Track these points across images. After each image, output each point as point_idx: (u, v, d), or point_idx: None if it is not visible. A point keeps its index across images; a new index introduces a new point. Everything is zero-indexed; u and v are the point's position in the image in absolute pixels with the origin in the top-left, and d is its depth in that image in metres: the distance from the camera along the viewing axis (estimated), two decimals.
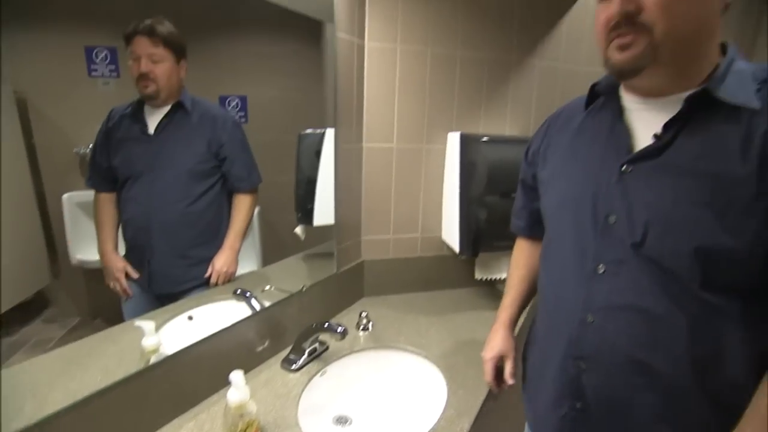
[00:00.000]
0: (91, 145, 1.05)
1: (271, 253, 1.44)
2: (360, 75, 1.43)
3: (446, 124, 1.56)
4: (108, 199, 1.08)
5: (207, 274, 1.19)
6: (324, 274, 1.42)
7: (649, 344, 0.66)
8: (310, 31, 1.32)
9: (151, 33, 1.03)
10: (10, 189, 0.89)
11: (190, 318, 1.13)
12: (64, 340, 0.96)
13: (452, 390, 1.09)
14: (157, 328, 1.02)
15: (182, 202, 1.14)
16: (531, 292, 1.03)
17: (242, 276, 1.27)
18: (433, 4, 1.45)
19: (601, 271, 0.70)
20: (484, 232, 1.43)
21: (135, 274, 1.09)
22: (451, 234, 1.54)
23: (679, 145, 0.64)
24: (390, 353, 1.29)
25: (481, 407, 1.03)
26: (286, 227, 1.51)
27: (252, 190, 1.27)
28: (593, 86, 0.78)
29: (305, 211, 1.49)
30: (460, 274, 1.68)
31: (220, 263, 1.20)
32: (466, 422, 0.97)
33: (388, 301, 1.58)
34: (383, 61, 1.45)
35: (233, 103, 1.32)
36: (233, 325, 1.10)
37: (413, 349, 1.28)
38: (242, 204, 1.25)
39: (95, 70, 1.03)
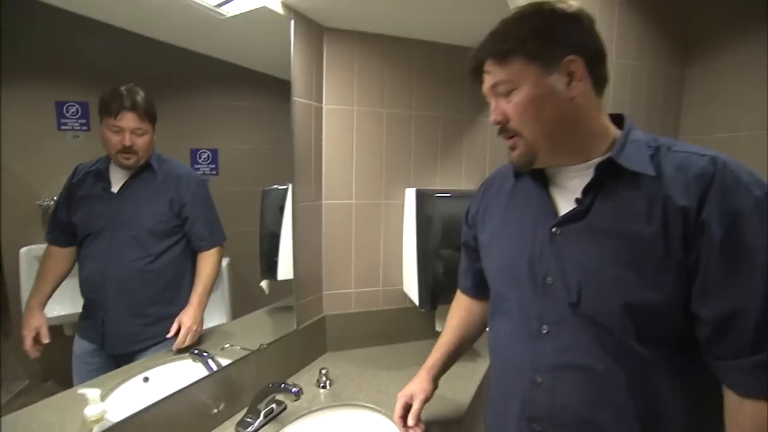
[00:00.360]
0: (55, 198, 1.05)
1: (240, 306, 1.44)
2: (318, 135, 1.49)
3: (403, 180, 1.62)
4: (58, 254, 1.07)
5: (172, 333, 1.16)
6: (284, 331, 1.42)
7: (596, 401, 0.69)
8: (280, 88, 1.37)
9: (136, 108, 1.08)
10: None
11: (146, 379, 1.11)
12: (8, 407, 0.92)
13: None
14: (110, 392, 1.01)
15: (140, 261, 1.14)
16: (460, 344, 1.06)
17: (206, 332, 1.26)
18: (388, 68, 1.56)
19: (544, 331, 0.73)
20: (442, 285, 1.46)
21: (46, 339, 1.02)
22: (411, 287, 1.56)
23: (597, 208, 0.70)
24: (349, 412, 1.27)
25: None
26: (256, 278, 1.52)
27: (215, 247, 1.28)
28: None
29: (269, 266, 1.51)
30: (422, 325, 1.70)
31: (188, 321, 1.18)
32: None
33: (351, 355, 1.57)
34: (341, 122, 1.53)
35: (204, 156, 1.35)
36: (186, 388, 1.08)
37: (373, 406, 1.26)
38: (206, 261, 1.26)
39: (65, 124, 1.05)
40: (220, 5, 1.21)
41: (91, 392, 0.94)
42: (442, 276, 1.46)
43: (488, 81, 0.73)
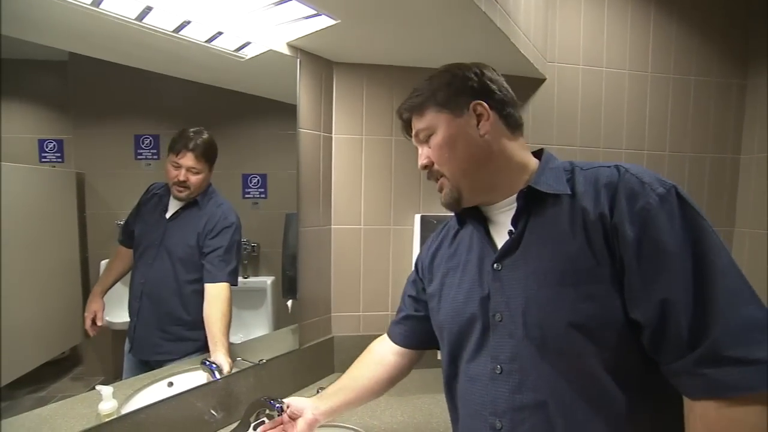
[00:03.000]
0: None
1: (281, 322, 1.56)
2: (327, 163, 1.58)
3: (412, 207, 1.64)
4: (124, 253, 1.25)
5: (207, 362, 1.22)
6: (288, 348, 1.50)
7: None
8: None
9: (196, 150, 1.24)
10: (62, 255, 1.11)
11: (171, 384, 1.23)
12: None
13: None
14: (138, 391, 1.14)
15: (172, 284, 1.28)
16: (364, 395, 1.01)
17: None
18: (397, 96, 1.61)
19: (498, 371, 0.72)
20: None
21: (100, 321, 1.16)
22: None
23: (528, 235, 0.72)
24: (335, 431, 1.30)
25: None
26: None
27: (222, 283, 1.30)
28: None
29: (291, 286, 1.60)
30: (429, 354, 1.66)
31: (225, 365, 1.25)
32: None
33: None
34: (350, 151, 1.60)
35: (254, 180, 1.49)
36: (184, 393, 1.18)
37: (358, 429, 1.28)
38: (214, 297, 1.28)
39: (140, 154, 1.25)
40: (238, 50, 1.35)
41: (105, 389, 1.06)
42: None
43: (413, 131, 0.83)
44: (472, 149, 0.76)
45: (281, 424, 0.99)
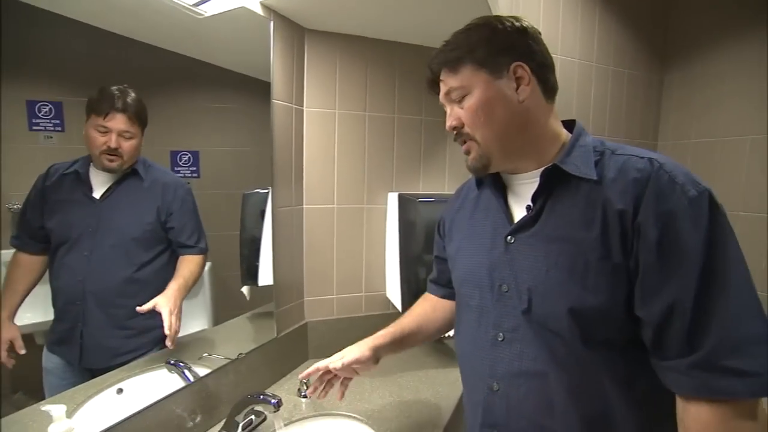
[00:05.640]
0: None
1: (222, 311, 1.40)
2: (299, 138, 1.47)
3: (386, 185, 1.60)
4: (28, 262, 1.00)
5: (145, 309, 1.08)
6: (264, 338, 1.39)
7: (548, 408, 0.70)
8: (261, 90, 1.34)
9: (127, 110, 1.03)
10: None
11: (120, 391, 1.06)
12: None
13: None
14: (80, 405, 0.96)
15: (125, 271, 1.09)
16: (416, 330, 1.04)
17: (185, 339, 1.20)
18: (371, 71, 1.54)
19: (500, 338, 0.75)
20: (425, 290, 1.45)
21: (21, 350, 0.96)
22: (394, 292, 1.55)
23: (546, 215, 0.72)
24: (330, 421, 1.25)
25: None
26: (238, 283, 1.48)
27: (200, 255, 1.24)
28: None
29: (250, 271, 1.47)
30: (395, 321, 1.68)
31: (165, 303, 1.10)
32: None
33: None
34: (322, 125, 1.50)
35: (185, 158, 1.30)
36: (160, 401, 1.04)
37: (355, 415, 1.24)
38: (188, 262, 1.21)
39: (37, 124, 0.99)
40: (197, 4, 1.17)
41: (56, 409, 0.88)
42: (424, 281, 1.44)
43: (443, 89, 0.78)
44: (509, 115, 0.72)
45: (328, 373, 1.01)
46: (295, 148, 1.45)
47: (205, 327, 1.34)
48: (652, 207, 0.62)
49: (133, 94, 1.06)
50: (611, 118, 1.90)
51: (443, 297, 1.05)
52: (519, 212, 0.77)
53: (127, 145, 1.05)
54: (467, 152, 0.77)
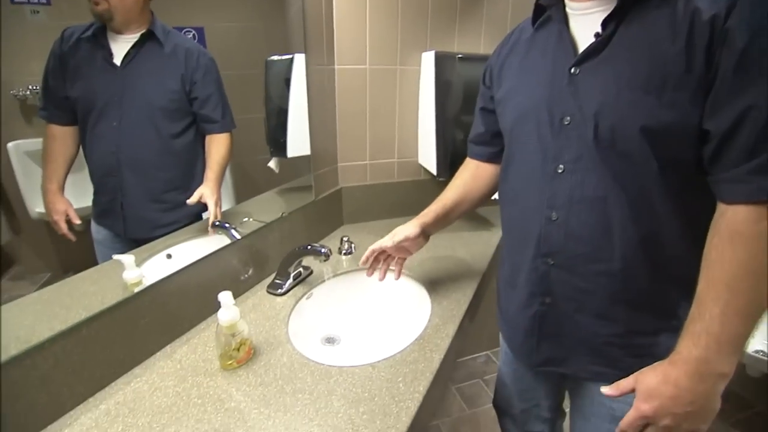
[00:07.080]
0: (30, 86, 0.91)
1: (243, 193, 1.37)
2: None
3: (420, 44, 1.50)
4: (62, 133, 0.97)
5: (194, 200, 1.12)
6: (302, 203, 1.41)
7: (606, 231, 0.72)
8: None
9: None
10: None
11: (169, 256, 1.10)
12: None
13: (436, 302, 1.14)
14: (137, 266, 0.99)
15: (155, 142, 1.06)
16: (459, 202, 1.07)
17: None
18: None
19: (560, 170, 0.75)
20: (462, 153, 1.41)
21: (76, 219, 0.97)
22: (427, 157, 1.53)
23: (618, 38, 0.68)
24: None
25: (465, 314, 1.09)
26: (255, 167, 1.45)
27: (227, 132, 1.19)
28: (537, 1, 0.80)
29: (278, 143, 1.43)
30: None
31: (210, 193, 1.14)
32: (452, 328, 1.02)
33: (368, 227, 1.60)
34: None
35: (188, 36, 1.18)
36: (215, 253, 1.09)
37: (394, 268, 1.30)
38: (219, 143, 1.17)
39: None
40: None
41: (127, 258, 0.94)
42: (461, 143, 1.42)
43: None
44: None
45: (383, 253, 1.08)
46: (325, 6, 1.33)
47: (230, 206, 1.32)
48: (746, 12, 0.58)
49: None
50: None
51: (485, 159, 1.04)
52: (585, 41, 0.72)
53: None
54: None
